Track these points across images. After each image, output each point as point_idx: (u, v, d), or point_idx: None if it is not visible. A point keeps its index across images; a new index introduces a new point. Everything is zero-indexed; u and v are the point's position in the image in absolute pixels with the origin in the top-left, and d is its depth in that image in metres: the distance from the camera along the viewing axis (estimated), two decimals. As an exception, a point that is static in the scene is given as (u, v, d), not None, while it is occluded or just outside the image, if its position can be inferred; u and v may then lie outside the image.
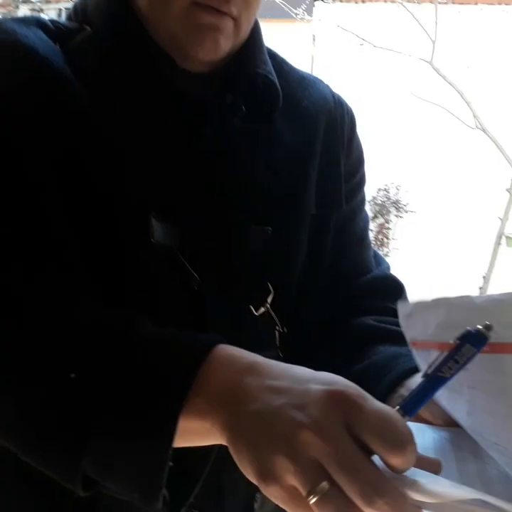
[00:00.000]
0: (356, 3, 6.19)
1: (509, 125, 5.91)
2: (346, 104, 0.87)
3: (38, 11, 6.82)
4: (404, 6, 5.69)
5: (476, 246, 6.36)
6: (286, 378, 0.47)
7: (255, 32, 0.77)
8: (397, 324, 0.64)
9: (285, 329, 0.74)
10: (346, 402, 0.44)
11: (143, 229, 0.65)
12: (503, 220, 6.00)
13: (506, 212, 5.93)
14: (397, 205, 6.20)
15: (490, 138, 5.79)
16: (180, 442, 0.49)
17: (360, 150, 0.87)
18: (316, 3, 5.98)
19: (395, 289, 0.85)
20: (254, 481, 0.45)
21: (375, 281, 0.85)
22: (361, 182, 0.88)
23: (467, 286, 6.34)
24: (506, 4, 6.11)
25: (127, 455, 0.50)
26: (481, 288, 6.19)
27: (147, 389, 0.50)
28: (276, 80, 0.77)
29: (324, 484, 0.43)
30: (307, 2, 5.75)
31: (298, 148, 0.77)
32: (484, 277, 6.17)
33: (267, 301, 0.71)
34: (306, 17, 5.66)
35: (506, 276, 6.36)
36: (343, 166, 0.83)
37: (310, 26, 5.89)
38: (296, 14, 5.66)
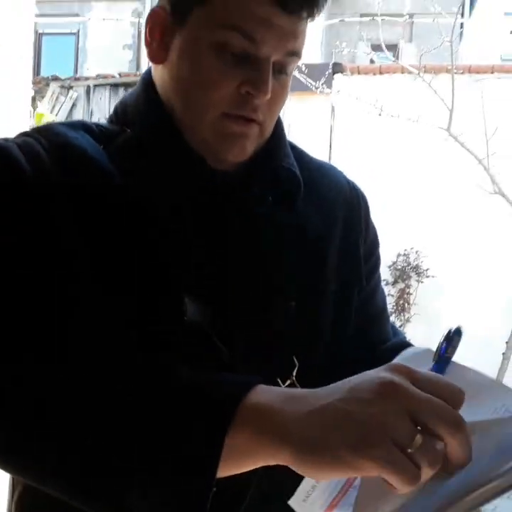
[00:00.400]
0: (374, 75, 6.39)
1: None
2: (360, 190, 0.96)
3: (68, 88, 7.11)
4: (421, 77, 5.86)
5: (498, 311, 6.32)
6: (328, 389, 0.54)
7: (279, 128, 0.86)
8: None
9: None
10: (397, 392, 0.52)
11: (177, 307, 0.71)
12: (526, 285, 6.00)
13: (528, 276, 5.93)
14: (417, 270, 6.21)
15: (509, 203, 5.85)
16: (230, 464, 0.54)
17: (375, 233, 0.96)
18: (335, 75, 6.19)
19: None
20: (351, 457, 0.49)
21: (394, 346, 0.91)
22: (377, 262, 0.96)
23: (490, 352, 6.27)
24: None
25: (172, 487, 0.54)
26: (504, 353, 6.12)
27: (189, 424, 0.54)
28: (298, 172, 0.86)
29: (418, 437, 0.50)
30: (326, 75, 5.95)
31: (319, 231, 0.86)
32: (507, 343, 6.11)
33: (292, 374, 0.76)
34: (326, 90, 5.86)
35: (530, 340, 6.30)
36: (361, 248, 0.90)
37: (329, 98, 6.08)
38: (316, 87, 5.86)
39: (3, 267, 0.68)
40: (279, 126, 0.86)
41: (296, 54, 0.78)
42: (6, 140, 0.76)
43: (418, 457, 0.50)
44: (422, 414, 0.50)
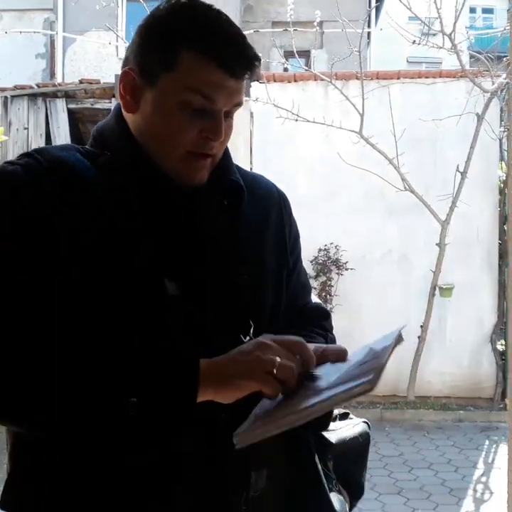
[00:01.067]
0: (290, 82, 6.73)
1: (433, 185, 6.46)
2: (284, 194, 1.25)
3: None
4: (333, 84, 6.25)
5: (412, 298, 6.77)
6: (232, 351, 0.93)
7: (227, 150, 1.12)
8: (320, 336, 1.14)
9: None
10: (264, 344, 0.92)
11: (159, 287, 0.97)
12: (436, 272, 6.47)
13: (438, 265, 6.41)
14: (337, 263, 6.55)
15: (418, 198, 6.32)
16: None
17: (296, 227, 1.25)
18: (252, 83, 6.48)
19: (323, 313, 1.25)
20: (247, 378, 0.89)
21: (312, 306, 1.24)
22: (299, 250, 1.26)
23: (406, 336, 6.72)
24: (426, 77, 6.75)
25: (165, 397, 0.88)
26: (419, 336, 6.57)
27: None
28: (242, 183, 1.12)
29: (277, 364, 0.88)
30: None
31: (259, 226, 1.14)
32: (422, 326, 6.57)
33: (250, 333, 1.04)
34: (245, 98, 6.13)
35: (441, 324, 6.79)
36: (287, 238, 1.20)
37: (248, 105, 6.36)
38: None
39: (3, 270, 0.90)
40: (226, 148, 1.10)
41: (240, 104, 1.03)
42: (12, 163, 0.97)
43: (279, 375, 0.89)
44: (279, 351, 0.91)
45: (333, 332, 1.23)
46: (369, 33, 11.21)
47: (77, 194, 0.96)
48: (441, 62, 13.43)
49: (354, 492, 1.17)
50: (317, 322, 1.19)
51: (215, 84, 0.97)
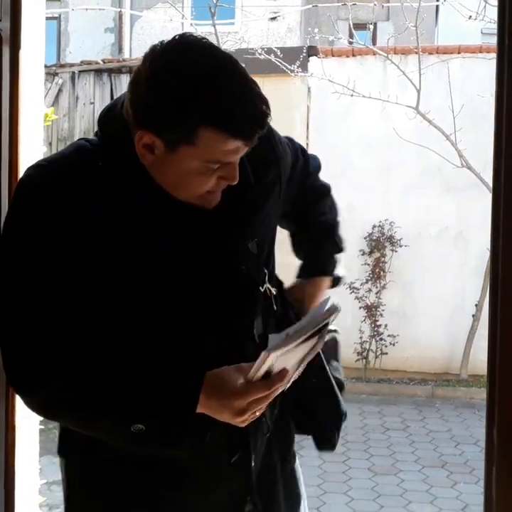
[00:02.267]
0: (347, 57, 6.71)
1: (491, 163, 6.34)
2: (280, 151, 1.27)
3: (53, 75, 7.32)
4: (390, 59, 6.20)
5: (467, 276, 6.71)
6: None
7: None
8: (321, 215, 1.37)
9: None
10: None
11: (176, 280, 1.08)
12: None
13: (494, 244, 6.32)
14: (391, 240, 6.55)
15: (475, 175, 6.23)
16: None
17: (290, 152, 1.31)
18: (310, 58, 6.50)
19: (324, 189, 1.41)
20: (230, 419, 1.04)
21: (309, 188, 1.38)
22: (297, 164, 1.34)
23: (461, 315, 6.69)
24: (487, 52, 6.60)
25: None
26: (473, 315, 6.53)
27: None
28: (251, 177, 1.17)
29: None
30: (301, 58, 6.26)
31: (263, 201, 1.22)
32: (476, 305, 6.52)
33: (266, 282, 1.19)
34: (301, 73, 6.17)
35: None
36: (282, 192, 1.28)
37: (305, 80, 6.40)
38: (292, 70, 6.17)
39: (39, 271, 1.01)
40: None
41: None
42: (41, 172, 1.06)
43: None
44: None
45: (337, 206, 1.41)
46: (437, 5, 10.91)
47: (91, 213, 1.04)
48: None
49: None
50: (314, 202, 1.37)
51: (232, 152, 1.03)
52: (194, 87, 0.99)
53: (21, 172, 1.24)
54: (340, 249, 1.41)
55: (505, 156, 0.99)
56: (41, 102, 1.37)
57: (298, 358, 1.05)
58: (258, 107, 1.01)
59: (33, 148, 1.31)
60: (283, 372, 1.01)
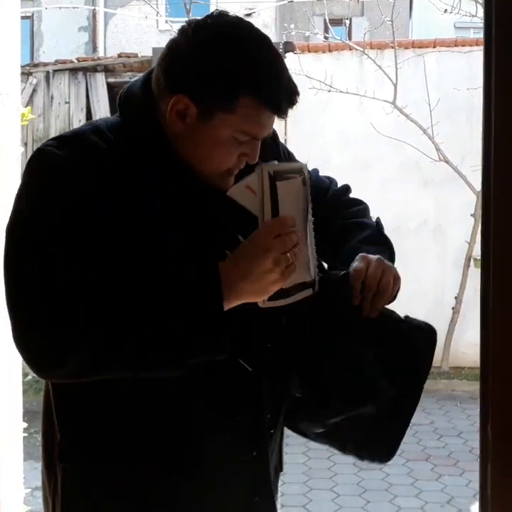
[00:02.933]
0: (324, 52, 6.71)
1: (468, 156, 6.39)
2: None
3: (27, 74, 7.23)
4: (366, 54, 6.21)
5: (446, 268, 6.76)
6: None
7: None
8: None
9: None
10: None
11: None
12: (471, 244, 6.44)
13: (473, 236, 6.37)
14: (371, 234, 6.57)
15: (453, 168, 6.27)
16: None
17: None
18: (286, 54, 6.49)
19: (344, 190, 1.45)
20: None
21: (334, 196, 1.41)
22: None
23: (441, 307, 6.73)
24: (462, 46, 6.64)
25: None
26: (453, 308, 6.58)
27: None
28: None
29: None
30: (278, 54, 6.24)
31: None
32: (456, 298, 6.57)
33: None
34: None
35: (476, 295, 6.76)
36: None
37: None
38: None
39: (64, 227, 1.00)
40: None
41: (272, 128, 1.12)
42: (56, 147, 1.04)
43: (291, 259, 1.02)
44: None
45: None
46: (411, 0, 10.98)
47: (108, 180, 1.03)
48: (489, 27, 13.01)
49: None
50: (349, 213, 1.36)
51: (265, 125, 1.08)
52: (241, 55, 1.03)
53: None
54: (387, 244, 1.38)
55: (495, 152, 0.97)
56: (18, 101, 1.33)
57: (297, 206, 1.05)
58: (293, 84, 1.07)
59: (9, 148, 1.28)
60: (292, 216, 1.02)
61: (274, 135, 1.23)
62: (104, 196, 1.02)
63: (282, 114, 1.07)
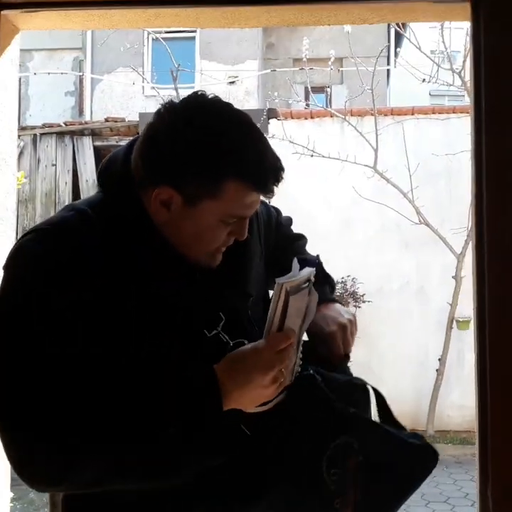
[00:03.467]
0: (306, 119, 6.90)
1: (447, 219, 6.53)
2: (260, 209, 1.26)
3: (19, 136, 7.30)
4: (347, 121, 6.40)
5: (430, 330, 6.78)
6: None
7: None
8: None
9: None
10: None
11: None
12: (453, 305, 6.50)
13: (454, 298, 6.43)
14: (354, 296, 6.62)
15: (433, 231, 6.39)
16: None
17: (268, 216, 1.33)
18: (270, 120, 6.67)
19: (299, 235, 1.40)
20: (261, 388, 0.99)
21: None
22: (271, 223, 1.34)
23: (424, 369, 6.72)
24: (439, 113, 6.88)
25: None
26: (437, 370, 6.57)
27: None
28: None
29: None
30: (262, 120, 6.40)
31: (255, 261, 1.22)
32: (440, 359, 6.57)
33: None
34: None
35: (459, 357, 6.77)
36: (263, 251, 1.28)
37: (265, 141, 6.53)
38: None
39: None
40: None
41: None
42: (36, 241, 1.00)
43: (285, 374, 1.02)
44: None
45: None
46: (388, 69, 11.39)
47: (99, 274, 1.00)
48: (464, 95, 13.50)
49: None
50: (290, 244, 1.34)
51: (250, 204, 1.05)
52: (222, 139, 1.00)
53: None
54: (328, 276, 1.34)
55: (488, 223, 1.01)
56: (15, 166, 1.36)
57: (299, 316, 1.05)
58: (278, 161, 1.05)
59: (8, 212, 1.30)
60: (293, 329, 1.02)
61: None
62: (90, 290, 0.98)
63: (269, 192, 1.05)
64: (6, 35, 1.31)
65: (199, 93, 1.05)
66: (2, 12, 1.24)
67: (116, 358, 0.99)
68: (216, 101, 1.05)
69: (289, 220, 1.44)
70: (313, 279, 1.09)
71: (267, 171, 1.03)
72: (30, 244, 1.01)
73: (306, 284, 1.06)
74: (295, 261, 1.05)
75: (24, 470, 0.95)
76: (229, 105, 1.06)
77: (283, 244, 1.35)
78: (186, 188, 1.01)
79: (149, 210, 1.04)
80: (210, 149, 0.99)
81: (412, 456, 1.14)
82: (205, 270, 1.09)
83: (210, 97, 1.05)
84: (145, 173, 1.03)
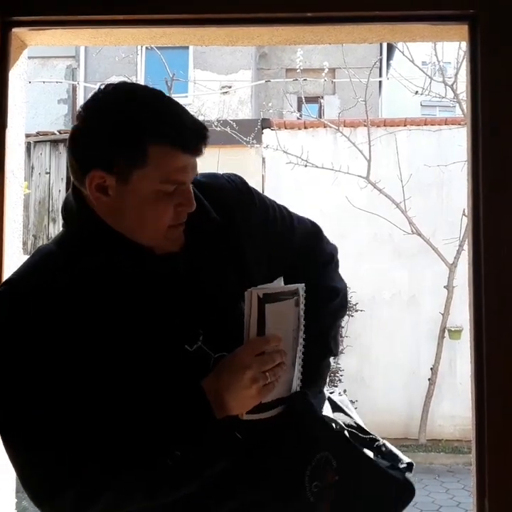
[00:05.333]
0: (300, 129, 6.96)
1: (439, 229, 6.58)
2: (235, 183, 1.23)
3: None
4: (340, 132, 6.46)
5: (422, 340, 6.83)
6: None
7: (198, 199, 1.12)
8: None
9: None
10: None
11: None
12: (445, 315, 6.54)
13: (446, 308, 6.48)
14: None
15: (425, 241, 6.45)
16: None
17: (260, 204, 1.24)
18: (264, 130, 6.71)
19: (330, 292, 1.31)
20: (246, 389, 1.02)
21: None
22: (269, 216, 1.26)
23: (417, 379, 6.76)
24: (432, 125, 6.95)
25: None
26: (429, 379, 6.61)
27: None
28: (213, 215, 1.14)
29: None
30: (256, 130, 6.46)
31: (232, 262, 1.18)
32: (432, 369, 6.61)
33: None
34: (256, 145, 6.35)
35: (451, 366, 6.82)
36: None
37: (260, 151, 6.58)
38: (247, 142, 6.34)
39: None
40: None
41: (197, 171, 1.09)
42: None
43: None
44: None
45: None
46: (380, 80, 11.48)
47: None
48: (454, 106, 13.63)
49: None
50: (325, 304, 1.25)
51: (182, 168, 1.05)
52: (136, 110, 1.04)
53: (5, 246, 1.26)
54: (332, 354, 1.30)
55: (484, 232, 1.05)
56: (22, 179, 1.39)
57: (287, 325, 1.07)
58: (197, 121, 1.07)
59: (15, 224, 1.32)
60: (277, 336, 1.05)
61: (247, 188, 1.23)
62: (71, 337, 1.01)
63: (194, 151, 1.05)
64: (15, 51, 1.34)
65: (107, 84, 1.09)
66: (13, 30, 1.27)
67: (110, 398, 1.02)
68: (123, 83, 1.11)
69: (318, 232, 1.41)
70: (302, 293, 1.10)
71: (186, 129, 1.04)
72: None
73: (293, 297, 1.08)
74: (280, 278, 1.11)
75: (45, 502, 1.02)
76: (138, 84, 1.13)
77: (308, 257, 1.30)
78: (114, 166, 1.03)
79: (94, 207, 1.06)
80: (127, 122, 1.03)
81: (389, 489, 1.18)
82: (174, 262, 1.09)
83: (117, 82, 1.10)
84: (77, 167, 1.05)
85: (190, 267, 1.12)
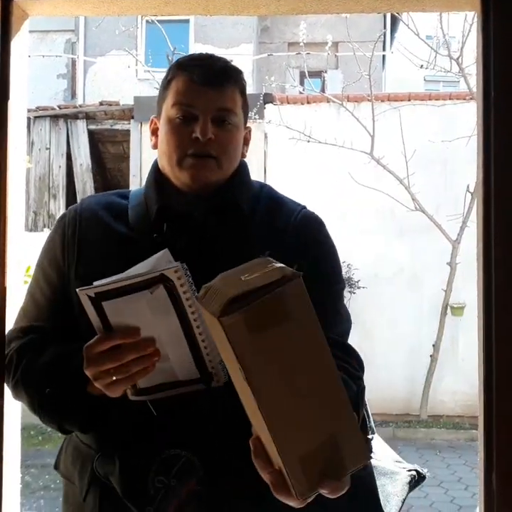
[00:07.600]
0: (302, 104, 6.88)
1: (443, 206, 6.55)
2: (300, 224, 1.27)
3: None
4: (344, 106, 6.39)
5: (424, 316, 6.83)
6: None
7: (243, 174, 1.22)
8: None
9: None
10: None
11: None
12: (447, 292, 6.54)
13: (449, 284, 6.48)
14: (349, 282, 6.64)
15: (428, 218, 6.41)
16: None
17: (320, 248, 1.26)
18: (266, 105, 6.64)
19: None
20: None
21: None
22: (318, 276, 1.14)
23: (419, 355, 6.78)
24: (436, 100, 6.87)
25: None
26: (431, 355, 6.63)
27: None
28: (245, 207, 1.18)
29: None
30: (258, 105, 6.38)
31: (268, 247, 1.10)
32: (434, 345, 6.63)
33: None
34: (258, 120, 6.28)
35: (453, 343, 6.84)
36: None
37: (262, 126, 6.52)
38: (249, 117, 6.27)
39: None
40: (243, 172, 1.22)
41: (225, 109, 1.16)
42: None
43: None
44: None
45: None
46: (384, 54, 11.35)
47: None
48: (458, 81, 13.50)
49: None
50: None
51: (191, 93, 1.17)
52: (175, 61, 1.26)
53: (8, 220, 1.24)
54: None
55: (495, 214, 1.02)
56: (24, 153, 1.36)
57: (160, 314, 1.00)
58: (216, 63, 1.21)
59: (18, 199, 1.30)
60: (130, 330, 1.01)
61: (318, 223, 1.35)
62: (79, 248, 1.19)
63: (207, 83, 1.17)
64: (16, 21, 1.30)
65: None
66: (13, -1, 1.24)
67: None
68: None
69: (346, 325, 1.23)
70: (175, 277, 0.98)
71: (201, 63, 1.20)
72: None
73: (149, 289, 0.98)
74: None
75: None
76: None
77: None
78: (158, 108, 1.22)
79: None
80: (167, 71, 1.23)
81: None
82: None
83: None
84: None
85: (202, 229, 1.16)
